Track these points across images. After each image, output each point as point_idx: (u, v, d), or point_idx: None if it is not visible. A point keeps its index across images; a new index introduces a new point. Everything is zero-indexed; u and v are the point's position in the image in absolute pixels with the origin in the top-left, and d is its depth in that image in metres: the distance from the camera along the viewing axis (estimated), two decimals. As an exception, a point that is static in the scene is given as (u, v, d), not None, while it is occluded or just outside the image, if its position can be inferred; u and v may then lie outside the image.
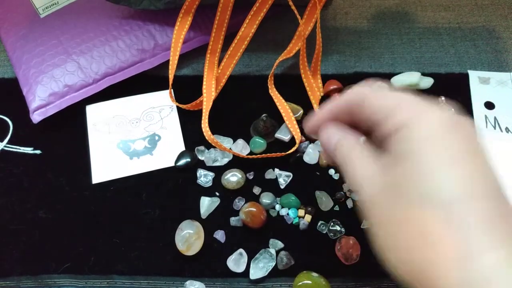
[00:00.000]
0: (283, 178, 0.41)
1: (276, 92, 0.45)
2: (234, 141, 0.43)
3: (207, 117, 0.42)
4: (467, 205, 0.21)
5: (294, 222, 0.39)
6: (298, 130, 0.42)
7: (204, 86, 0.44)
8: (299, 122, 0.44)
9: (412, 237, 0.22)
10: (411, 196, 0.23)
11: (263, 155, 0.41)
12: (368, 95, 0.27)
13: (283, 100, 0.44)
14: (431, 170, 0.22)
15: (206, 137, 0.41)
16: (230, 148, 0.42)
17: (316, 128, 0.31)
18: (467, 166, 0.22)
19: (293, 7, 0.42)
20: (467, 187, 0.22)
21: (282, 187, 0.41)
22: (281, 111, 0.44)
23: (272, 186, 0.41)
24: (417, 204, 0.22)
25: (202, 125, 0.42)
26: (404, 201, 0.23)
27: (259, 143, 0.42)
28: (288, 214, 0.39)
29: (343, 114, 0.29)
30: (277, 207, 0.40)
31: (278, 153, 0.41)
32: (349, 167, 0.27)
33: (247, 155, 0.42)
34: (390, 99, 0.26)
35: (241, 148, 0.42)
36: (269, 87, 0.45)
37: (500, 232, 0.21)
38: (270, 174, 0.41)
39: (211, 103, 0.43)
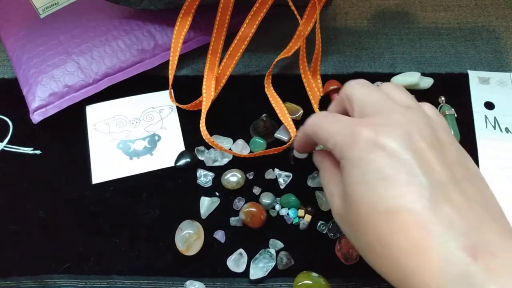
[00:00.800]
0: (283, 178, 0.41)
1: (273, 91, 0.45)
2: (234, 141, 0.43)
3: (204, 117, 0.42)
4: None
5: (294, 222, 0.39)
6: (294, 127, 0.42)
7: (203, 86, 0.44)
8: (299, 122, 0.44)
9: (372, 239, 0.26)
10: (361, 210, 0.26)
11: (262, 152, 0.41)
12: (316, 129, 0.31)
13: (279, 99, 0.44)
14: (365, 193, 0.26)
15: (204, 137, 0.41)
16: (230, 148, 0.42)
17: (301, 150, 0.37)
18: (392, 181, 0.25)
19: (292, 7, 0.42)
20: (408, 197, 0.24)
21: (282, 187, 0.41)
22: (276, 109, 0.44)
23: (272, 186, 0.41)
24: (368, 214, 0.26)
25: (200, 125, 0.42)
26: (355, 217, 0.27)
27: (259, 143, 0.42)
28: (288, 214, 0.39)
29: (309, 141, 0.34)
30: (277, 207, 0.40)
31: (275, 148, 0.41)
32: (324, 188, 0.32)
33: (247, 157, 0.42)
34: (326, 134, 0.29)
35: (241, 148, 0.42)
36: (266, 85, 0.45)
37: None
38: (270, 174, 0.41)
39: (209, 103, 0.43)
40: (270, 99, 0.45)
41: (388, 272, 0.25)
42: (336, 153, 0.28)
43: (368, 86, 0.30)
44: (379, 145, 0.26)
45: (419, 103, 0.30)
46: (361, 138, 0.26)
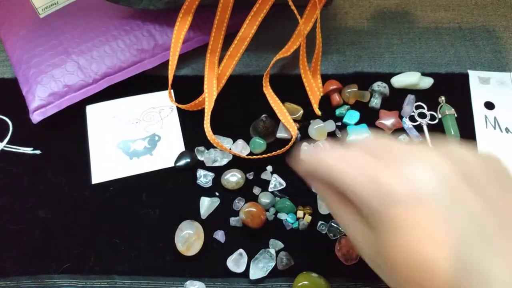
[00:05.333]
0: (275, 184, 0.41)
1: (271, 91, 0.45)
2: (234, 141, 0.43)
3: (209, 116, 0.42)
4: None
5: (293, 227, 0.39)
6: (294, 125, 0.42)
7: (205, 86, 0.44)
8: (298, 121, 0.44)
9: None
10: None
11: (264, 155, 0.41)
12: (326, 171, 0.26)
13: (277, 98, 0.44)
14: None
15: (208, 137, 0.41)
16: (230, 148, 0.42)
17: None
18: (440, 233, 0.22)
19: (293, 7, 0.42)
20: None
21: (270, 190, 0.41)
22: (274, 108, 0.44)
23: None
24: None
25: (205, 125, 0.41)
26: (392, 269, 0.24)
27: (259, 143, 0.42)
28: (286, 220, 0.39)
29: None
30: (272, 210, 0.39)
31: (277, 151, 0.41)
32: (345, 230, 0.28)
33: (247, 155, 0.42)
34: (345, 181, 0.25)
35: (241, 148, 0.42)
36: (264, 85, 0.45)
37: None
38: (266, 175, 0.41)
39: (213, 103, 0.43)
40: (269, 98, 0.45)
41: None
42: (362, 209, 0.24)
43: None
44: (418, 201, 0.22)
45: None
46: (396, 197, 0.23)
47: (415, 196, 0.22)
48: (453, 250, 0.22)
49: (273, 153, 0.41)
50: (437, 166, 0.23)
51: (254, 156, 0.41)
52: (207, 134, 0.41)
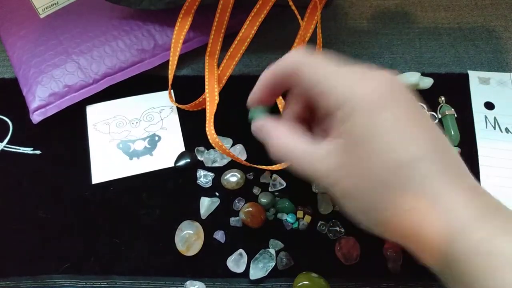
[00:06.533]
0: (276, 184, 0.41)
1: (282, 101, 0.45)
2: (234, 141, 0.43)
3: (211, 121, 0.42)
4: (424, 161, 0.23)
5: (293, 227, 0.39)
6: None
7: (206, 90, 0.44)
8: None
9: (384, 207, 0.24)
10: (372, 175, 0.24)
11: (265, 166, 0.41)
12: (301, 66, 0.27)
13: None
14: (384, 144, 0.24)
15: (211, 141, 0.40)
16: (229, 150, 0.42)
17: (258, 100, 0.32)
18: (413, 129, 0.24)
19: (293, 7, 0.42)
20: (420, 146, 0.23)
21: (270, 189, 0.41)
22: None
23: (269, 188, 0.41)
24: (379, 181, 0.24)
25: (208, 130, 0.41)
26: (368, 183, 0.24)
27: (260, 109, 0.36)
28: (286, 220, 0.39)
29: (280, 84, 0.29)
30: (272, 210, 0.39)
31: (277, 165, 0.40)
32: (272, 143, 0.28)
33: (246, 160, 0.42)
34: (323, 73, 0.26)
35: (238, 152, 0.42)
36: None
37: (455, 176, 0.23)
38: (265, 178, 0.41)
39: (215, 108, 0.43)
40: (280, 107, 0.44)
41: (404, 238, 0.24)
42: (327, 103, 0.25)
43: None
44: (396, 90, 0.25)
45: None
46: (370, 88, 0.24)
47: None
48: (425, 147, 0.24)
49: (273, 166, 0.41)
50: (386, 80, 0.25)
51: (260, 166, 0.41)
52: (210, 139, 0.40)
